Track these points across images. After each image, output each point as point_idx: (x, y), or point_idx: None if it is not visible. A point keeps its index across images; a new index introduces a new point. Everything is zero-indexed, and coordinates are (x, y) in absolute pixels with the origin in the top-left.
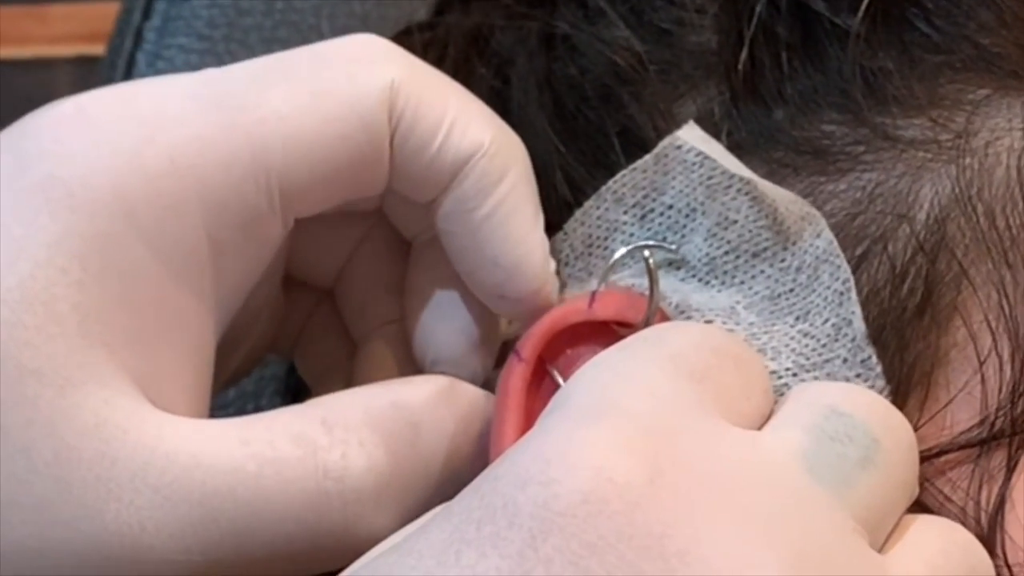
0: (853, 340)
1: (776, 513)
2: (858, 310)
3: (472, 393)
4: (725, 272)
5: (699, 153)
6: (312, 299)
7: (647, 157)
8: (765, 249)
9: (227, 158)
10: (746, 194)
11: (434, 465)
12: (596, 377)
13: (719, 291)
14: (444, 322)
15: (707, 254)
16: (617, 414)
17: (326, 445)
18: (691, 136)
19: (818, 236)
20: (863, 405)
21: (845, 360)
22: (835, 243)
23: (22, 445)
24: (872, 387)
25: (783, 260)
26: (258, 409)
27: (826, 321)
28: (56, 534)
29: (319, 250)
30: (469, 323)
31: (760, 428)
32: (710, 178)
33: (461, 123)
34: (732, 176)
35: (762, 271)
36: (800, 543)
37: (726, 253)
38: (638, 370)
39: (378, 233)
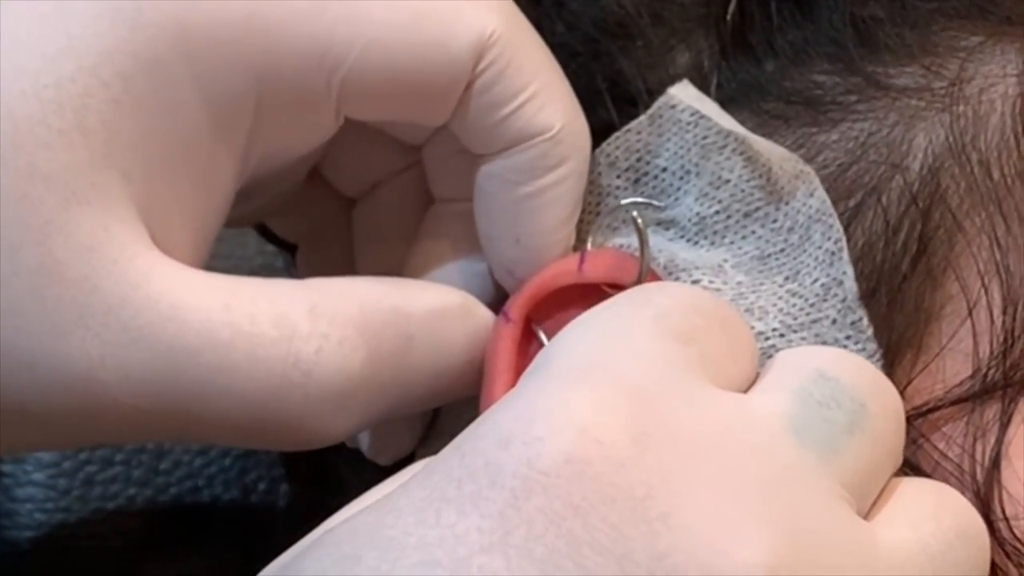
0: (843, 301)
1: (762, 478)
2: (850, 270)
3: (487, 317)
4: (715, 232)
5: (694, 112)
6: (331, 202)
7: (642, 118)
8: (757, 209)
9: (303, 38)
10: (740, 154)
11: (420, 381)
12: (580, 337)
13: (707, 251)
14: None
15: (697, 213)
16: (602, 374)
17: (305, 334)
18: (686, 94)
19: (811, 195)
20: (851, 370)
21: (834, 321)
22: (828, 202)
23: (11, 244)
24: (863, 350)
25: (775, 220)
26: None
27: (815, 281)
28: (18, 342)
29: (353, 162)
30: None
31: (746, 392)
32: (704, 138)
33: (540, 99)
34: (728, 135)
35: (753, 231)
36: (786, 509)
37: (716, 212)
38: (623, 330)
39: (410, 177)
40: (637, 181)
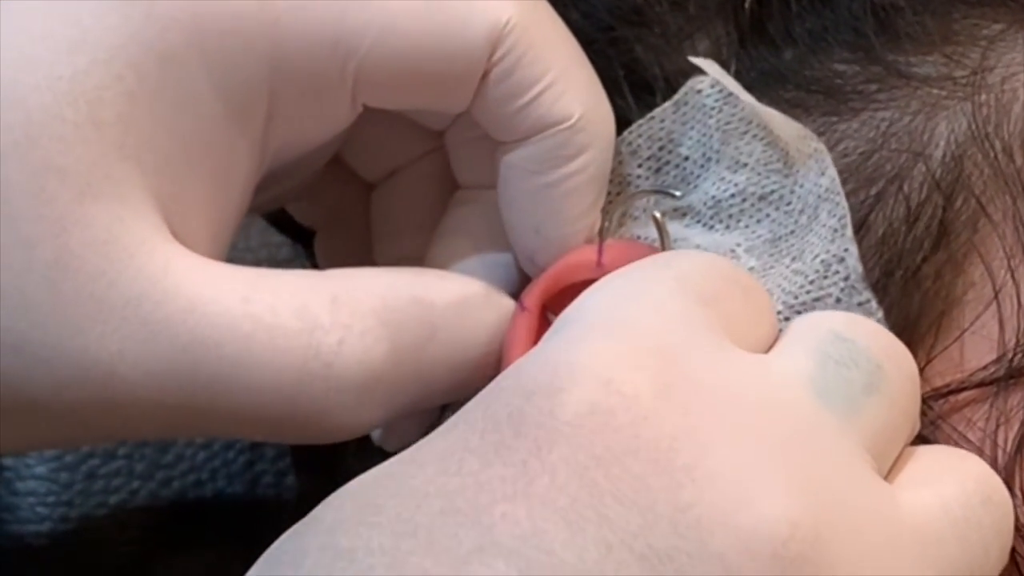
0: (846, 279)
1: (784, 435)
2: (853, 248)
3: (510, 307)
4: (730, 216)
5: (719, 97)
6: (350, 187)
7: (666, 105)
8: (772, 192)
9: (315, 27)
10: (761, 139)
11: (442, 372)
12: (602, 297)
13: (722, 235)
14: None
15: (713, 197)
16: (625, 329)
17: (326, 325)
18: (711, 72)
19: (822, 174)
20: (865, 332)
21: (838, 300)
22: (837, 181)
23: (26, 238)
24: None
25: (788, 203)
26: None
27: (816, 257)
28: (36, 337)
29: (373, 147)
30: None
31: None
32: (727, 123)
33: (558, 88)
34: (749, 123)
35: (767, 214)
36: (808, 465)
37: (732, 196)
38: (645, 290)
39: (432, 163)
40: (659, 170)
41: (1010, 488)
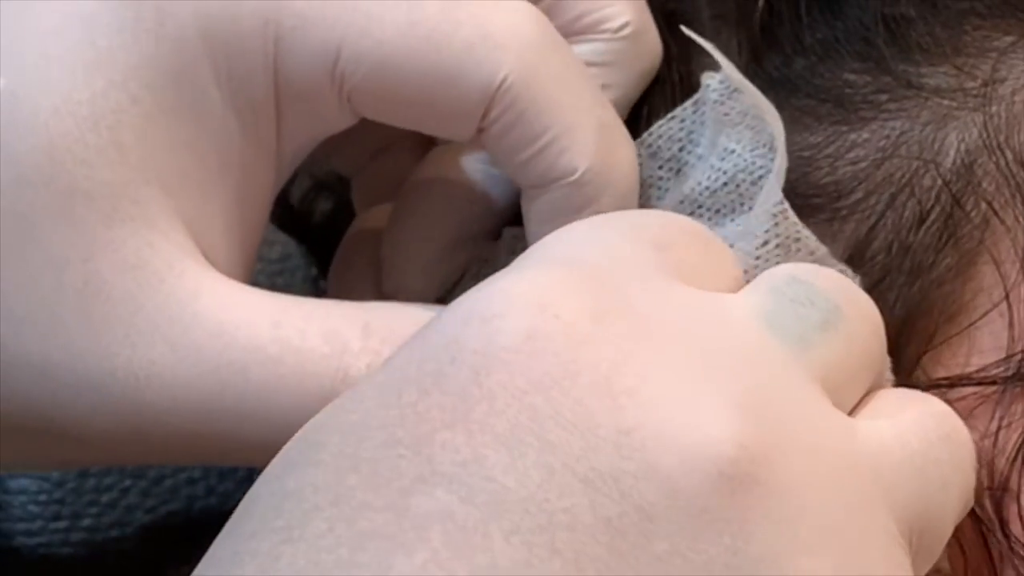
0: (812, 254)
1: (731, 361)
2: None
3: None
4: (723, 206)
5: (723, 91)
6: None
7: (686, 103)
8: (760, 178)
9: (315, 46)
10: (750, 128)
11: None
12: (554, 239)
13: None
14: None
15: (707, 188)
16: (566, 262)
17: (356, 350)
18: (722, 64)
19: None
20: (825, 276)
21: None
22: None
23: (56, 262)
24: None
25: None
26: None
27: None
28: (63, 360)
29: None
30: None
31: None
32: (726, 115)
33: (560, 143)
34: (745, 115)
35: (748, 208)
36: (755, 390)
37: (724, 184)
38: (599, 235)
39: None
40: (679, 172)
41: (1005, 488)
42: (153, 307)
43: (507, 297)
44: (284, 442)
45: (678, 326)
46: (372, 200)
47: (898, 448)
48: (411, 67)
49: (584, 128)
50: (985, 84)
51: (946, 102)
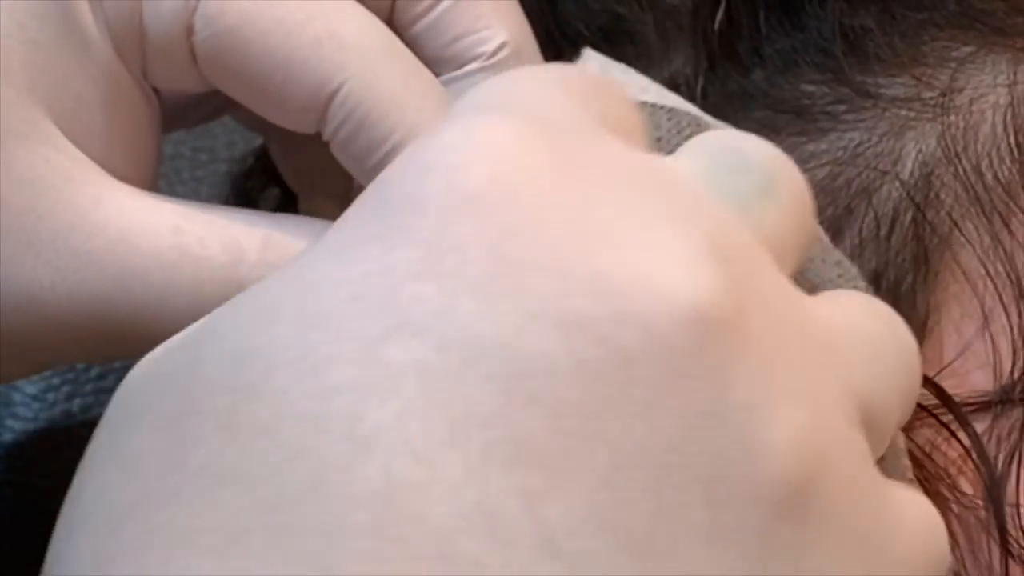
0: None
1: (686, 211)
2: None
3: None
4: None
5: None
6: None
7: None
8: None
9: None
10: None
11: None
12: (489, 87)
13: None
14: None
15: None
16: (515, 109)
17: (253, 262)
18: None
19: None
20: (756, 145)
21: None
22: None
23: None
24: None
25: None
26: None
27: None
28: None
29: None
30: None
31: None
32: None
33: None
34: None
35: None
36: (715, 240)
37: None
38: (529, 85)
39: None
40: None
41: (998, 494)
42: (54, 216)
43: (467, 147)
44: None
45: (632, 176)
46: (308, 186)
47: (846, 329)
48: (257, 44)
49: (430, 121)
50: (943, 94)
51: (904, 112)
